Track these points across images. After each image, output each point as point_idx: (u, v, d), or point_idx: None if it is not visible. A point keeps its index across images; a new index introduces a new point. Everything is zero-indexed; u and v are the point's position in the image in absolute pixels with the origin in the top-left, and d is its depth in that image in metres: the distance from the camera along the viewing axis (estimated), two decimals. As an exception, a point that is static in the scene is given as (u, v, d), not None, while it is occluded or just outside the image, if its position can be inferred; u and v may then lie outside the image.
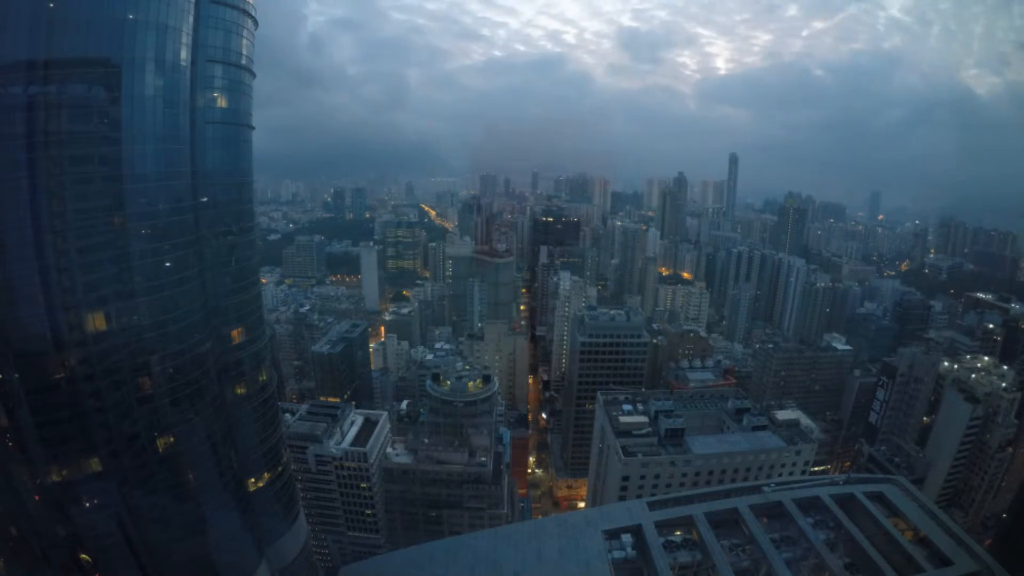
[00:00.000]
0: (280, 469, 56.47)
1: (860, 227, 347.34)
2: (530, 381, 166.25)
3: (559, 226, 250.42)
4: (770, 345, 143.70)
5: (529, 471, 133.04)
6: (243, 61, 46.32)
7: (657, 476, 72.15)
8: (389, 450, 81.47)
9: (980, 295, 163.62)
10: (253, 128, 49.44)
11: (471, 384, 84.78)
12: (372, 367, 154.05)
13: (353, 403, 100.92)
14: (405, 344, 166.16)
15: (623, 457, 71.74)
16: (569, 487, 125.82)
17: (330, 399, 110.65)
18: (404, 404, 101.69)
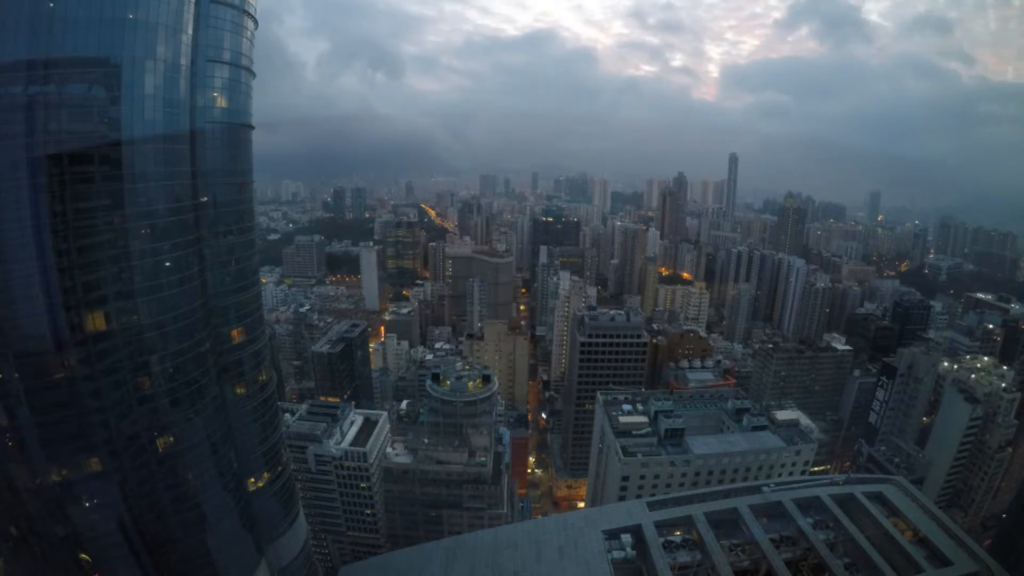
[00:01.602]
0: (280, 469, 56.45)
1: (860, 227, 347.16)
2: (530, 381, 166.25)
3: (559, 226, 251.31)
4: (770, 345, 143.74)
5: (529, 471, 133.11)
6: (243, 61, 46.25)
7: (657, 476, 72.17)
8: (389, 450, 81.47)
9: (980, 295, 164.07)
10: (253, 128, 49.44)
11: (471, 384, 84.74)
12: (372, 367, 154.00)
13: (353, 403, 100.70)
14: (405, 344, 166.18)
15: (623, 457, 71.77)
16: (569, 487, 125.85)
17: (330, 399, 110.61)
18: (404, 404, 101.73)
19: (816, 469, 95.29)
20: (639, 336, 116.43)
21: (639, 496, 68.19)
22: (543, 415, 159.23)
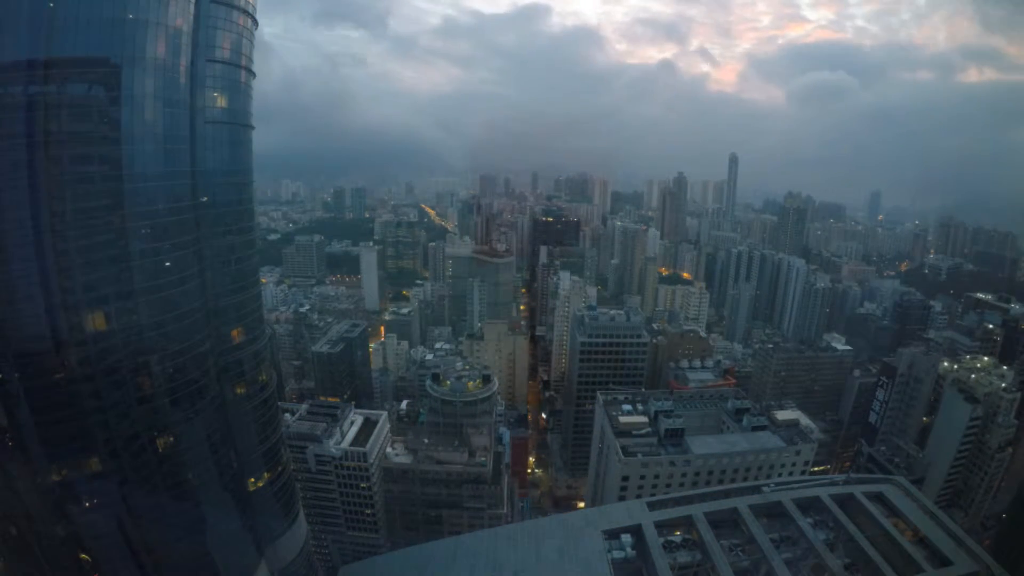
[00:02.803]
0: (280, 469, 56.49)
1: (860, 227, 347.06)
2: (530, 381, 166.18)
3: (559, 226, 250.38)
4: (770, 345, 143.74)
5: (529, 471, 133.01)
6: (243, 61, 46.35)
7: (657, 476, 72.14)
8: (389, 450, 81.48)
9: (980, 295, 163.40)
10: (253, 128, 49.50)
11: (471, 384, 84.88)
12: (372, 367, 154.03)
13: (353, 403, 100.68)
14: (405, 344, 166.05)
15: (623, 457, 71.73)
16: (569, 487, 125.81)
17: (330, 399, 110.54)
18: (404, 404, 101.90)
19: (816, 469, 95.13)
20: (639, 336, 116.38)
21: (639, 496, 68.18)
22: (543, 415, 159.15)
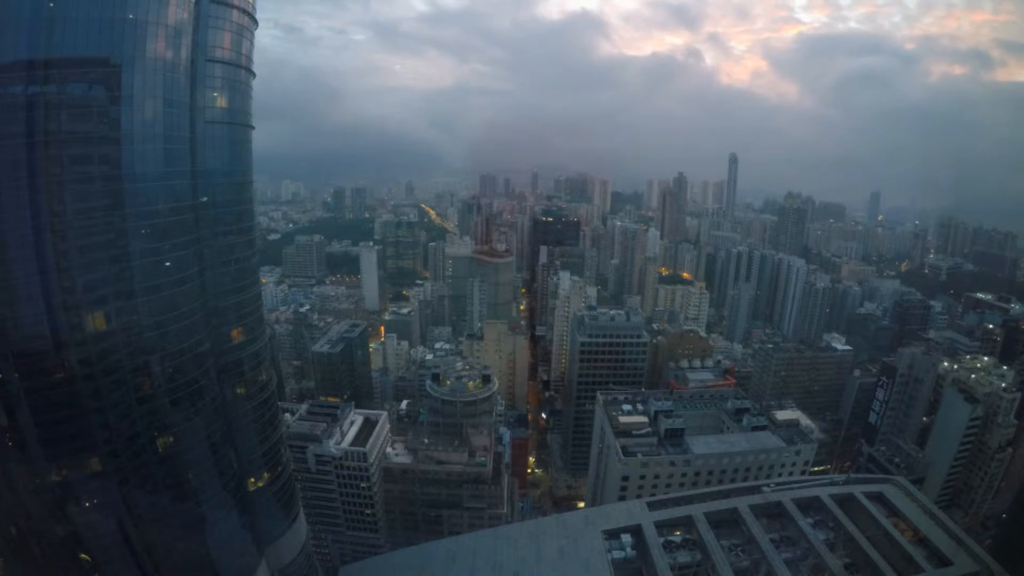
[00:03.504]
0: (280, 469, 56.47)
1: (860, 227, 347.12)
2: (530, 381, 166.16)
3: (559, 226, 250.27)
4: (770, 345, 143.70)
5: (529, 471, 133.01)
6: (243, 61, 46.35)
7: (657, 476, 72.16)
8: (389, 450, 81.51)
9: (980, 295, 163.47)
10: (253, 128, 49.49)
11: (471, 384, 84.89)
12: (372, 367, 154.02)
13: (353, 403, 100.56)
14: (405, 344, 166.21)
15: (623, 457, 71.74)
16: (569, 487, 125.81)
17: (330, 399, 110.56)
18: (404, 404, 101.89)
19: (816, 469, 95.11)
20: (639, 336, 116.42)
21: (639, 496, 68.17)
22: (543, 415, 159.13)
